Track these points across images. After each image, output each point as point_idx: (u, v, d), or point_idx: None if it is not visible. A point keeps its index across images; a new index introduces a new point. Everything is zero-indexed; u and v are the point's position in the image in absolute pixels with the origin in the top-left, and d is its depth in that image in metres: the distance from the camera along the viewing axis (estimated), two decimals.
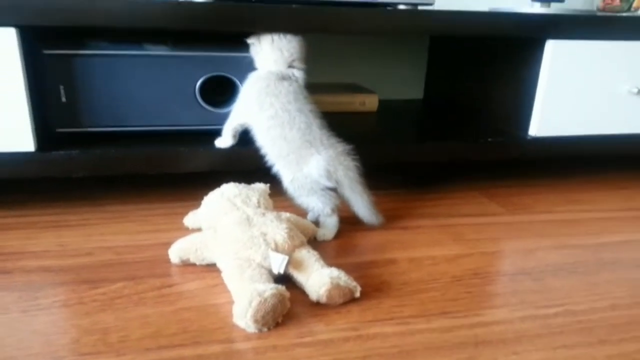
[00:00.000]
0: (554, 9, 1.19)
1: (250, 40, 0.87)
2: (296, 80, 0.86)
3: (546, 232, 0.90)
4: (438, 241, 0.85)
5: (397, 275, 0.74)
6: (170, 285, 0.69)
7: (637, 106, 1.06)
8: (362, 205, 0.84)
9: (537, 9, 1.18)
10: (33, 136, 0.83)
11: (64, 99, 0.88)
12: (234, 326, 0.61)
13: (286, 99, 0.83)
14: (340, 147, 0.83)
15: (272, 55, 0.86)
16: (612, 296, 0.71)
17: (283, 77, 0.85)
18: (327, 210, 0.83)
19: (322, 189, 0.82)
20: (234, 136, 0.90)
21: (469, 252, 0.82)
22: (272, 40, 0.85)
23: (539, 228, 0.92)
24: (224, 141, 0.90)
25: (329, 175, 0.81)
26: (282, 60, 0.86)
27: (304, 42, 0.88)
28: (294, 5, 0.86)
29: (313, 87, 1.29)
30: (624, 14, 1.25)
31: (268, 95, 0.83)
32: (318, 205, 0.82)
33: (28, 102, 0.81)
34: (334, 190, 0.82)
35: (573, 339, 0.61)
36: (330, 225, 0.84)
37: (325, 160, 0.80)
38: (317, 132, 0.82)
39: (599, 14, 1.21)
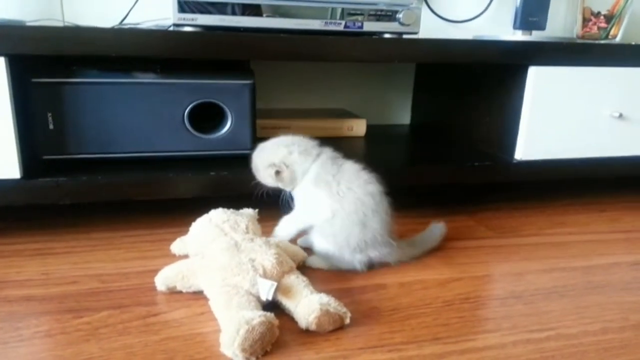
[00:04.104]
0: (535, 36, 1.22)
1: (274, 170, 0.80)
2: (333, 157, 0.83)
3: (535, 255, 0.90)
4: (428, 265, 0.85)
5: (387, 300, 0.74)
6: (156, 314, 0.68)
7: (619, 130, 1.08)
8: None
9: (519, 36, 1.21)
10: (19, 163, 0.82)
11: (51, 127, 0.88)
12: (221, 356, 0.59)
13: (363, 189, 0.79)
14: (395, 244, 0.81)
15: (300, 157, 0.80)
16: (603, 319, 0.70)
17: (333, 160, 0.82)
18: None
19: None
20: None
21: (460, 276, 0.82)
22: (288, 151, 0.81)
23: (527, 251, 0.92)
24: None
25: (369, 262, 0.81)
26: (306, 151, 0.81)
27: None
28: (282, 35, 0.87)
29: (302, 113, 1.30)
30: (602, 41, 1.29)
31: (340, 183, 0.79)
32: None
33: (15, 129, 0.81)
34: None
35: None
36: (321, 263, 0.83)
37: (377, 255, 0.80)
38: (389, 225, 0.80)
39: (579, 41, 1.25)
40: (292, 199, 0.84)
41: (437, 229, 0.91)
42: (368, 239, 0.78)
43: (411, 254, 0.85)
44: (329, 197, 0.78)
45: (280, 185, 0.82)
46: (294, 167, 0.81)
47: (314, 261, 0.82)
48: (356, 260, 0.79)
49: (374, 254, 0.80)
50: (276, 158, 0.81)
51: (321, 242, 0.80)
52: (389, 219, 0.80)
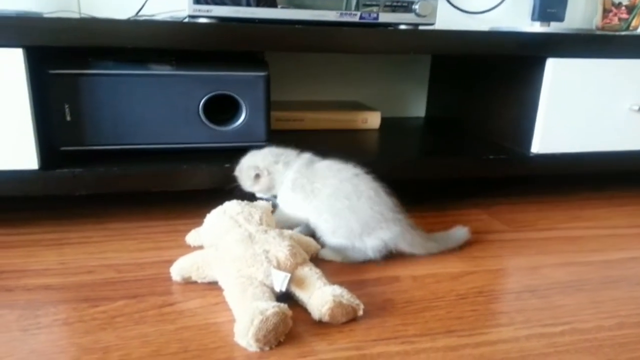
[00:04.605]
0: (553, 27, 1.20)
1: (256, 172, 0.83)
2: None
3: (550, 249, 0.90)
4: (441, 259, 0.85)
5: (401, 293, 0.74)
6: (171, 304, 0.69)
7: (639, 123, 1.06)
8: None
9: (537, 28, 1.20)
10: (37, 154, 0.83)
11: (68, 118, 0.89)
12: (235, 345, 0.60)
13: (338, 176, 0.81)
14: (405, 221, 0.81)
15: (283, 167, 0.84)
16: (619, 314, 0.70)
17: (308, 164, 0.84)
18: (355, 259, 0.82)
19: None
20: None
21: (473, 269, 0.81)
22: (271, 160, 0.84)
23: (542, 245, 0.91)
24: None
25: (386, 248, 0.80)
26: (288, 163, 0.84)
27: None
28: (297, 26, 0.87)
29: (316, 105, 1.30)
30: (623, 33, 1.26)
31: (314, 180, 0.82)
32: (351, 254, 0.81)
33: (32, 121, 0.82)
34: None
35: (580, 358, 0.60)
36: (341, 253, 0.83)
37: (391, 237, 0.79)
38: (385, 201, 0.80)
39: (598, 32, 1.23)
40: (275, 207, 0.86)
41: (460, 232, 0.89)
42: (369, 220, 0.78)
43: (427, 247, 0.84)
44: (304, 200, 0.81)
45: (255, 189, 0.85)
46: (275, 176, 0.84)
47: (326, 253, 0.82)
48: (368, 247, 0.79)
49: (386, 235, 0.79)
50: (262, 163, 0.84)
51: (330, 239, 0.80)
52: (382, 196, 0.80)
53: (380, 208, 0.79)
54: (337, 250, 0.81)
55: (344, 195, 0.79)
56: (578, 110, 1.03)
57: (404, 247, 0.82)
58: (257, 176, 0.84)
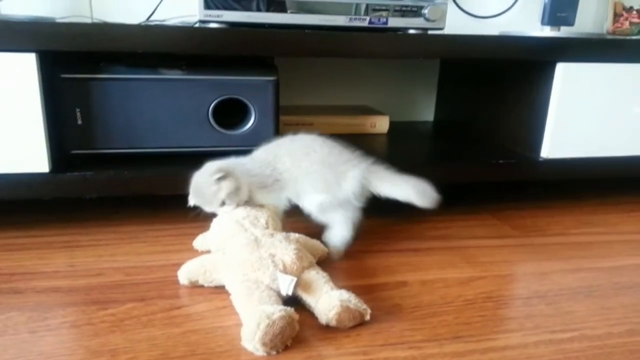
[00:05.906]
0: (563, 32, 1.19)
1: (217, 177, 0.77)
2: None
3: (560, 255, 0.89)
4: (450, 264, 0.84)
5: (409, 298, 0.73)
6: (178, 307, 0.69)
7: None
8: (411, 192, 0.82)
9: (547, 32, 1.19)
10: (48, 158, 0.84)
11: (79, 122, 0.90)
12: (242, 349, 0.60)
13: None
14: (370, 159, 0.84)
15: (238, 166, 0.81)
16: (629, 321, 0.69)
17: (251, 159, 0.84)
18: (349, 223, 0.83)
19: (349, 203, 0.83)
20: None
21: (482, 275, 0.81)
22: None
23: (552, 251, 0.91)
24: None
25: (362, 188, 0.81)
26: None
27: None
28: (307, 31, 0.88)
29: (325, 109, 1.30)
30: (634, 37, 1.25)
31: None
32: (340, 218, 0.83)
33: (44, 124, 0.83)
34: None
35: None
36: (339, 237, 0.83)
37: (360, 173, 0.81)
38: (337, 146, 0.84)
39: (609, 37, 1.22)
40: None
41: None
42: (334, 162, 0.81)
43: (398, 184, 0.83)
44: (281, 190, 0.83)
45: (221, 196, 0.77)
46: (239, 179, 0.78)
47: (332, 244, 0.83)
48: (349, 192, 0.81)
49: (356, 173, 0.81)
50: (222, 166, 0.78)
51: (308, 202, 0.82)
52: (331, 143, 0.84)
53: (336, 150, 0.83)
54: (322, 209, 0.82)
55: (302, 154, 0.82)
56: (588, 115, 1.02)
57: (376, 182, 0.82)
58: (221, 179, 0.76)
